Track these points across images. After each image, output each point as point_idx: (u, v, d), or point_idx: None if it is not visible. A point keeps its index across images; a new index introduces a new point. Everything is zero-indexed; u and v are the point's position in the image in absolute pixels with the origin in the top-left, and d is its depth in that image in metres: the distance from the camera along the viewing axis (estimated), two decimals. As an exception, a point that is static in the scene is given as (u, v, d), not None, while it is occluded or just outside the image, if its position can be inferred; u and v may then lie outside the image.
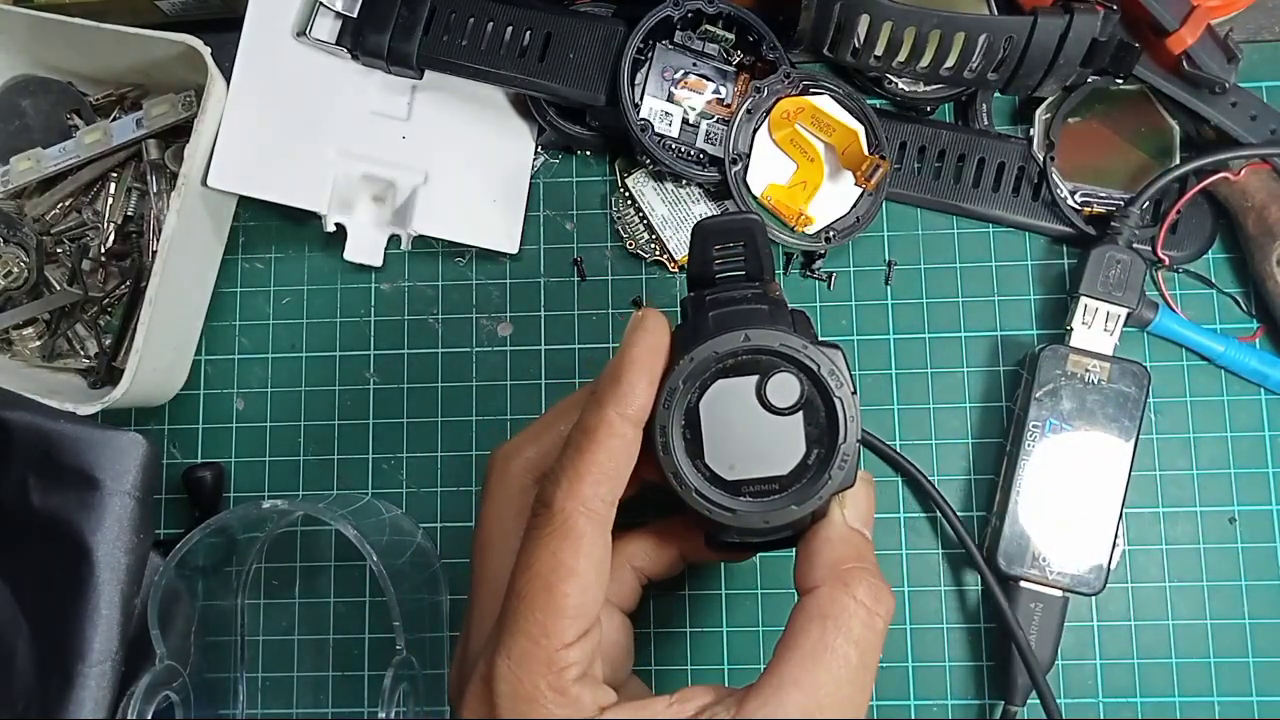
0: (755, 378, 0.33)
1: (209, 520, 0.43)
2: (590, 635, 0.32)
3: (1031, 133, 0.49)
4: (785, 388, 0.33)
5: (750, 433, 0.33)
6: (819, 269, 0.50)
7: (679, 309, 0.37)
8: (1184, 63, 0.45)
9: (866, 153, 0.48)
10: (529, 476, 0.36)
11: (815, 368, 0.32)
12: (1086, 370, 0.46)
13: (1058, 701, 0.44)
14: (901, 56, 0.46)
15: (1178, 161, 0.49)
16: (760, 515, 0.33)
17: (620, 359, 0.33)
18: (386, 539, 0.44)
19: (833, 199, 0.48)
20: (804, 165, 0.48)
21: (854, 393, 0.33)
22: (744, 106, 0.48)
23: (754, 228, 0.35)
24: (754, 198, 0.48)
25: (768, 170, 0.48)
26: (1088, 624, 0.47)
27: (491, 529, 0.36)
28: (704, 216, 0.40)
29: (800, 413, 0.33)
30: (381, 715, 0.40)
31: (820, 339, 0.33)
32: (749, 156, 0.48)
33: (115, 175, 0.52)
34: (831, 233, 0.48)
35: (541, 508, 0.33)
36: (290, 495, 0.50)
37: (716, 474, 0.33)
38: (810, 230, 0.48)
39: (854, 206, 0.48)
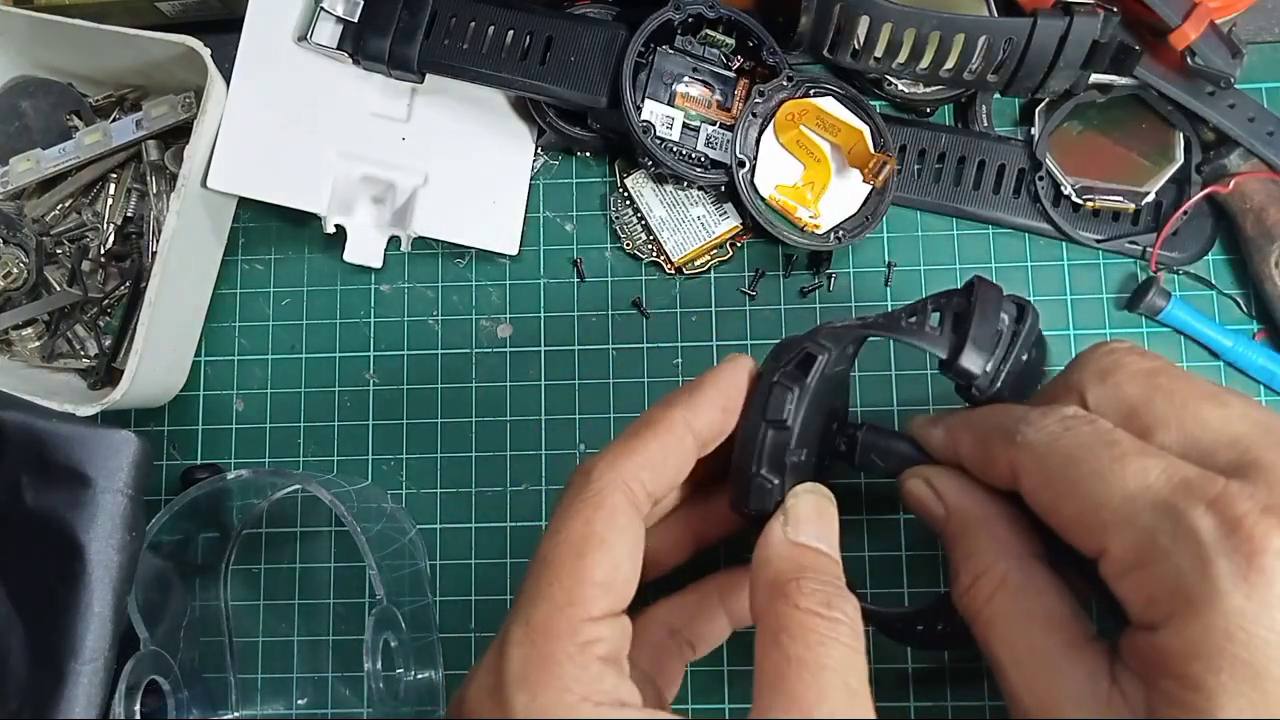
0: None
1: (176, 498, 0.44)
2: (619, 623, 0.31)
3: (1033, 132, 0.49)
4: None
5: None
6: (823, 272, 0.50)
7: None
8: (1187, 59, 0.45)
9: (872, 151, 0.48)
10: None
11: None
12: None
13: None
14: (901, 58, 0.46)
15: (1180, 161, 0.49)
16: None
17: (704, 376, 0.35)
18: (357, 507, 0.44)
19: (841, 198, 0.48)
20: (810, 166, 0.48)
21: (771, 422, 0.34)
22: (749, 110, 0.48)
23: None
24: (762, 200, 0.48)
25: (774, 172, 0.48)
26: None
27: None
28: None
29: None
30: (367, 665, 0.41)
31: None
32: (755, 159, 0.48)
33: (115, 176, 0.52)
34: (841, 232, 0.48)
35: (580, 475, 0.33)
36: (255, 464, 0.51)
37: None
38: (819, 230, 0.48)
39: (863, 205, 0.49)
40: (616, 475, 0.32)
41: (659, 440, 0.33)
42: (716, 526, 0.40)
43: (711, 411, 0.34)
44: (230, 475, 0.45)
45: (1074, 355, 0.48)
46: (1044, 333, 0.49)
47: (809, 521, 0.33)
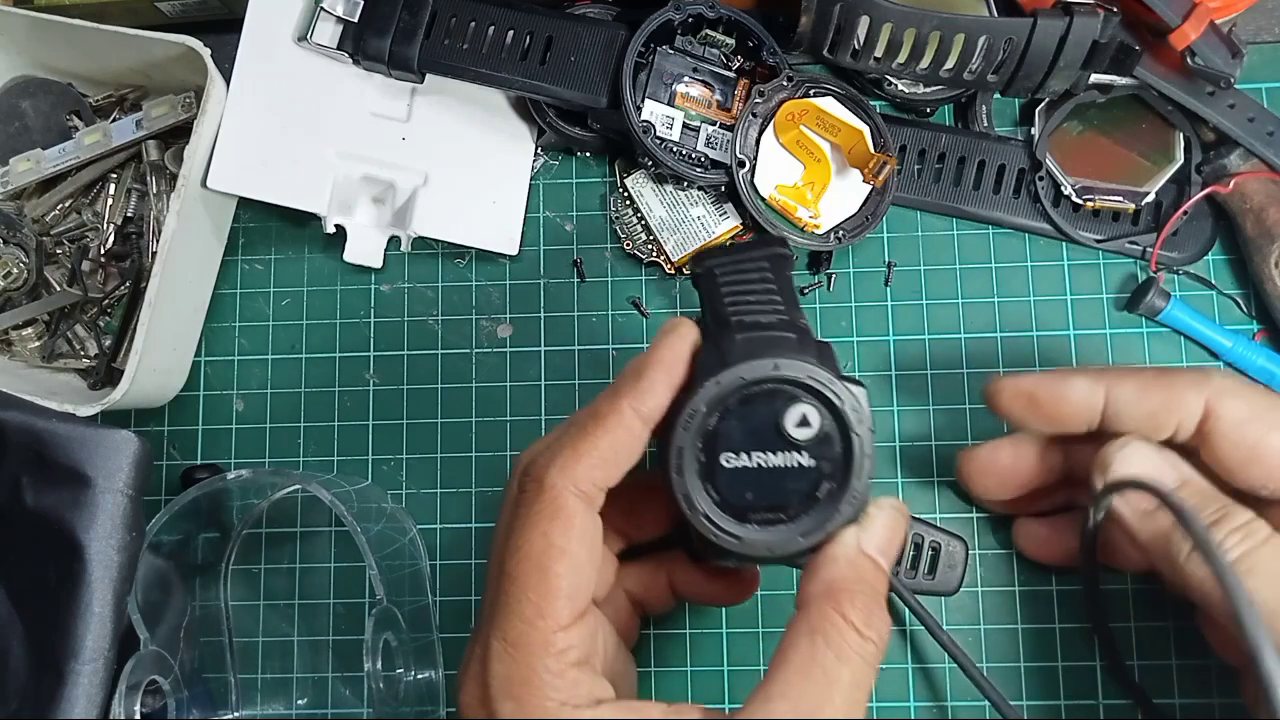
0: (776, 406, 0.33)
1: (176, 498, 0.44)
2: (586, 621, 0.33)
3: (1033, 132, 0.49)
4: (805, 420, 0.33)
5: (765, 462, 0.33)
6: (823, 271, 0.50)
7: (700, 327, 0.36)
8: (1187, 59, 0.45)
9: (872, 151, 0.48)
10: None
11: (838, 403, 0.33)
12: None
13: (1057, 702, 0.44)
14: (901, 58, 0.46)
15: (1180, 161, 0.49)
16: (765, 544, 0.34)
17: (645, 358, 0.34)
18: (357, 507, 0.44)
19: (841, 198, 0.49)
20: (811, 166, 0.48)
21: (872, 430, 0.33)
22: (749, 110, 0.48)
23: (779, 257, 0.36)
24: (762, 200, 0.48)
25: (774, 172, 0.48)
26: (1084, 626, 0.47)
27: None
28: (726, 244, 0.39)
29: (817, 446, 0.33)
30: (367, 665, 0.41)
31: (844, 374, 0.33)
32: (755, 159, 0.48)
33: (115, 176, 0.53)
34: (841, 232, 0.48)
35: (531, 483, 0.33)
36: (255, 464, 0.51)
37: (726, 500, 0.33)
38: (819, 230, 0.48)
39: (863, 205, 0.49)
40: (569, 480, 0.32)
41: (610, 435, 0.33)
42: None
43: (660, 395, 0.34)
44: (230, 475, 0.45)
45: (1073, 356, 0.49)
46: (1044, 333, 0.49)
47: (883, 534, 0.34)
